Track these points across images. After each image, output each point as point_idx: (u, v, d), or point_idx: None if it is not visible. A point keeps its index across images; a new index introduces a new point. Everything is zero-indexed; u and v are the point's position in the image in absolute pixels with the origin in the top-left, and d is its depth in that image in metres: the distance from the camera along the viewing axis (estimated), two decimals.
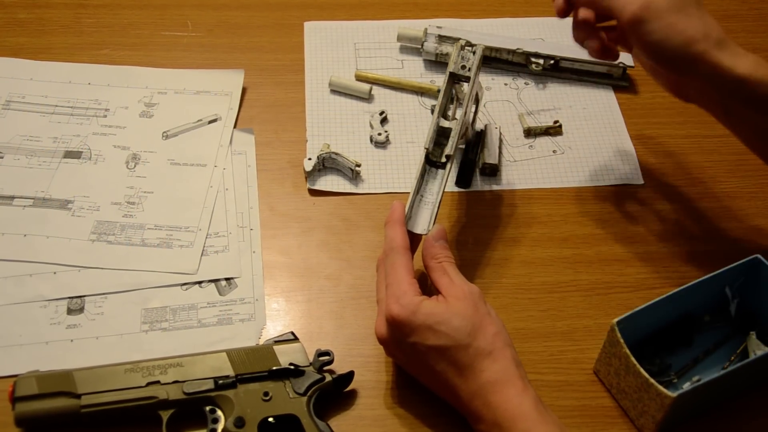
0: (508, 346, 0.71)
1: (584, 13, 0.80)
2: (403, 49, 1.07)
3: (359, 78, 1.03)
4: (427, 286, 0.76)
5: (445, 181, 0.80)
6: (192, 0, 1.11)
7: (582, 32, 0.82)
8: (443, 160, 0.81)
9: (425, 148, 0.81)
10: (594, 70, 1.03)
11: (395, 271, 0.73)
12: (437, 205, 0.79)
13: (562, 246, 0.88)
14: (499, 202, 0.92)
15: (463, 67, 0.84)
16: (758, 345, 0.78)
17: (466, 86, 0.85)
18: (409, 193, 0.79)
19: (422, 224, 0.79)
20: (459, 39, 0.87)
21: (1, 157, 0.92)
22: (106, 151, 0.93)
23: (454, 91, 0.86)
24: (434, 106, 0.83)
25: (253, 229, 0.88)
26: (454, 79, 0.84)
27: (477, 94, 0.90)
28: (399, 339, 0.72)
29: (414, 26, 1.06)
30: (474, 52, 0.84)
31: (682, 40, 0.74)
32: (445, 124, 0.82)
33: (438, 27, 1.05)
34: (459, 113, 0.84)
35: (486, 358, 0.69)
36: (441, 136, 0.82)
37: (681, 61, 0.75)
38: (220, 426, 0.72)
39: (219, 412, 0.73)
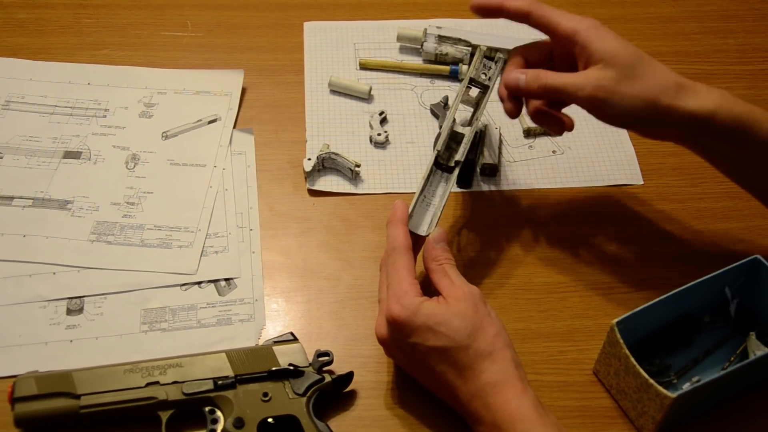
0: (508, 347, 0.71)
1: (536, 104, 0.81)
2: (403, 49, 1.07)
3: (363, 65, 1.03)
4: (429, 288, 0.76)
5: (451, 185, 0.80)
6: (192, 0, 1.11)
7: (541, 118, 0.82)
8: (452, 164, 0.81)
9: (437, 151, 0.81)
10: None
11: (396, 272, 0.73)
12: (441, 208, 0.79)
13: (562, 246, 0.88)
14: (499, 202, 0.92)
15: (484, 74, 0.84)
16: (758, 345, 0.78)
17: (473, 92, 0.85)
18: (408, 193, 0.79)
19: (424, 226, 0.79)
20: (480, 45, 0.86)
21: (1, 158, 0.92)
22: (106, 152, 0.93)
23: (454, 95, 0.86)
24: (433, 105, 0.83)
25: (253, 230, 0.88)
26: (472, 84, 0.84)
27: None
28: (399, 339, 0.72)
29: (414, 26, 1.06)
30: (496, 62, 0.84)
31: (644, 104, 0.74)
32: (459, 129, 0.82)
33: (438, 27, 1.05)
34: (451, 117, 0.84)
35: (486, 359, 0.69)
36: (452, 140, 0.82)
37: (649, 121, 0.76)
38: (220, 426, 0.72)
39: (218, 413, 0.73)
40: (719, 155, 0.78)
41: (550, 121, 0.81)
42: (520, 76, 0.79)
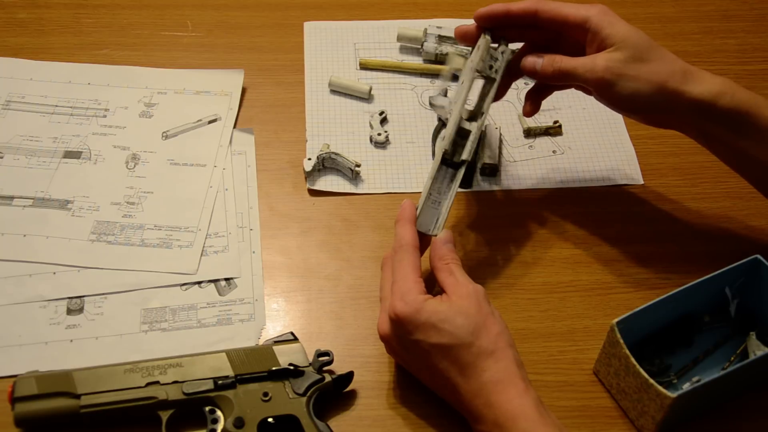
0: (511, 346, 0.71)
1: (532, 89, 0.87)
2: (403, 49, 1.07)
3: (363, 65, 1.03)
4: (433, 288, 0.76)
5: (457, 184, 0.80)
6: (192, 0, 1.11)
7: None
8: (457, 160, 0.81)
9: (444, 149, 0.80)
10: None
11: (402, 268, 0.74)
12: (448, 207, 0.79)
13: (562, 246, 0.88)
14: (499, 202, 0.92)
15: (491, 67, 0.83)
16: (758, 345, 0.78)
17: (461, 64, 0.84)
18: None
19: (431, 225, 0.79)
20: (485, 35, 0.83)
21: (1, 157, 0.92)
22: (106, 151, 0.93)
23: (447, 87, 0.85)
24: (432, 97, 0.83)
25: (253, 230, 0.88)
26: (480, 76, 0.83)
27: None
28: (401, 336, 0.72)
29: (414, 26, 1.06)
30: (502, 53, 0.83)
31: (652, 88, 0.76)
32: (466, 125, 0.82)
33: (438, 27, 1.05)
34: (457, 114, 0.84)
35: (488, 357, 0.69)
36: (458, 135, 0.82)
37: (656, 105, 0.77)
38: (220, 426, 0.72)
39: (218, 413, 0.73)
40: (720, 142, 0.79)
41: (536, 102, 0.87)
42: (538, 60, 0.81)
